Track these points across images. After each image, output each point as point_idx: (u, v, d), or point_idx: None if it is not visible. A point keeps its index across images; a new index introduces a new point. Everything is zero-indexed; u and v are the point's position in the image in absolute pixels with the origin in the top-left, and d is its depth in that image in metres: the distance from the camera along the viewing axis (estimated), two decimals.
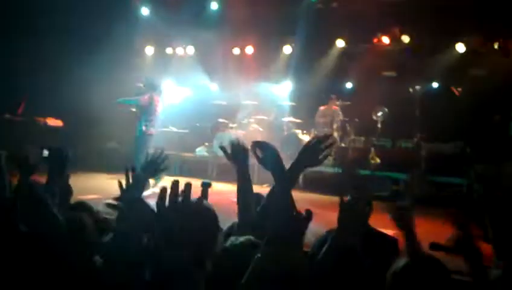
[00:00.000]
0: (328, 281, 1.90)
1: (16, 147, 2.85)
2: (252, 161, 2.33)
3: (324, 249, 1.98)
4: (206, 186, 3.16)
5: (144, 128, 8.04)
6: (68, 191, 3.79)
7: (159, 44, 12.93)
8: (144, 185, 2.76)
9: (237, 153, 2.48)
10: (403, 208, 2.10)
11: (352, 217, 1.98)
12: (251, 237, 1.99)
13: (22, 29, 9.93)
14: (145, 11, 12.52)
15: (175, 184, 1.60)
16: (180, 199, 1.60)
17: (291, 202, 1.91)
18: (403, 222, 2.07)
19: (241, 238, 1.98)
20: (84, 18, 10.49)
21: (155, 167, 2.68)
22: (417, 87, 10.03)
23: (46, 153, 2.51)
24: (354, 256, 2.11)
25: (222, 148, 2.58)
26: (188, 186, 1.61)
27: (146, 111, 8.08)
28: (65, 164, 2.59)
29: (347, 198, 2.04)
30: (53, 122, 10.21)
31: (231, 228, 2.46)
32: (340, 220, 1.95)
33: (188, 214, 1.67)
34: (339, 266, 1.97)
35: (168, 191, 1.60)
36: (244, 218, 2.40)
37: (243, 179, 2.47)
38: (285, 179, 1.96)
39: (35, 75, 9.83)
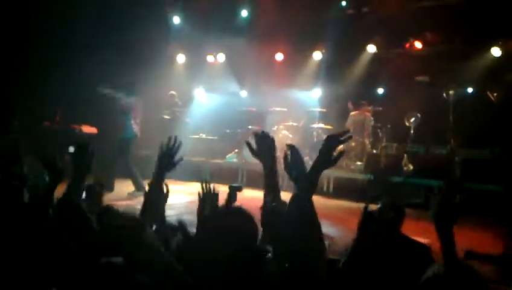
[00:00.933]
0: (350, 285, 1.89)
1: (55, 154, 2.94)
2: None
3: (346, 256, 1.97)
4: (234, 189, 3.18)
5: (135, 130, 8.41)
6: (101, 191, 3.87)
7: (190, 52, 13.11)
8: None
9: (262, 144, 2.38)
10: (443, 212, 2.06)
11: (374, 223, 1.96)
12: None
13: (57, 41, 10.24)
14: (176, 19, 12.74)
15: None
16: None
17: (312, 209, 1.91)
18: (443, 227, 2.02)
19: None
20: (118, 28, 10.76)
21: (170, 159, 2.72)
22: (451, 92, 9.81)
23: (71, 149, 2.55)
24: (377, 261, 2.09)
25: (247, 143, 2.52)
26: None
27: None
28: (90, 160, 2.63)
29: (374, 205, 2.04)
30: (88, 129, 10.46)
31: None
32: (360, 225, 1.95)
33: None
34: (360, 270, 1.95)
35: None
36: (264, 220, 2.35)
37: (269, 176, 2.36)
38: (305, 185, 1.96)
39: (71, 84, 10.12)
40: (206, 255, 1.69)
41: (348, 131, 2.11)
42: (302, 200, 1.91)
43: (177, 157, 2.74)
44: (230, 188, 3.22)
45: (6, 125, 9.53)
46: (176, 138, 2.76)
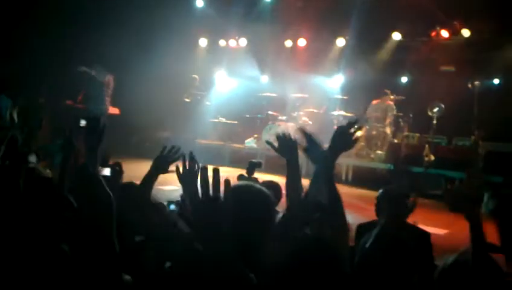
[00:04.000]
0: (375, 270, 1.89)
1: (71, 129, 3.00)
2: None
3: (371, 239, 1.97)
4: (253, 165, 3.17)
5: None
6: (120, 171, 3.91)
7: (213, 36, 13.07)
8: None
9: (284, 147, 2.44)
10: (472, 199, 2.06)
11: (401, 207, 1.98)
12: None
13: (83, 22, 10.29)
14: (199, 3, 12.68)
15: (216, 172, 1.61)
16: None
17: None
18: (471, 213, 2.02)
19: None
20: (141, 10, 10.76)
21: (164, 165, 2.77)
22: (476, 83, 9.57)
23: (83, 122, 2.57)
24: (401, 247, 2.11)
25: (269, 143, 2.56)
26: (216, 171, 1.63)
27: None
28: (102, 134, 2.66)
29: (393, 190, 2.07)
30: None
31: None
32: (390, 210, 1.95)
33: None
34: (386, 255, 1.96)
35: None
36: (293, 211, 2.37)
37: (292, 171, 2.43)
38: (325, 166, 2.04)
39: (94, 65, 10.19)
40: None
41: (358, 120, 2.20)
42: (327, 176, 2.03)
43: (171, 166, 2.77)
44: (250, 163, 3.23)
45: (34, 102, 9.76)
46: (179, 149, 2.80)
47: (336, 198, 2.00)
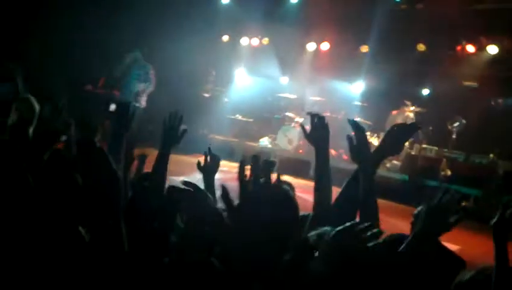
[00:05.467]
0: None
1: (92, 118, 2.96)
2: None
3: (402, 248, 1.89)
4: (268, 164, 3.13)
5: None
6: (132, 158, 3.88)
7: (235, 33, 13.04)
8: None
9: (318, 128, 2.26)
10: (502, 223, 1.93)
11: (437, 221, 1.86)
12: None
13: (110, 8, 10.28)
14: None
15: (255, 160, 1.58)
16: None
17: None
18: (500, 234, 1.91)
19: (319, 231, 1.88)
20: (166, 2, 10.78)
21: (174, 133, 2.67)
22: (499, 100, 9.44)
23: (113, 107, 2.55)
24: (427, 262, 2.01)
25: (301, 125, 2.43)
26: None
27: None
28: (131, 119, 2.61)
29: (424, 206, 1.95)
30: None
31: (303, 220, 2.33)
32: (426, 221, 1.85)
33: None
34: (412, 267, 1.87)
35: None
36: (321, 209, 2.19)
37: (322, 161, 2.21)
38: (368, 166, 1.95)
39: (118, 51, 10.19)
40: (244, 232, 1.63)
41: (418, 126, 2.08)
42: (368, 180, 1.93)
43: (180, 130, 2.69)
44: (264, 161, 3.20)
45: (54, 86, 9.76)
46: (176, 112, 2.72)
47: (373, 206, 1.91)
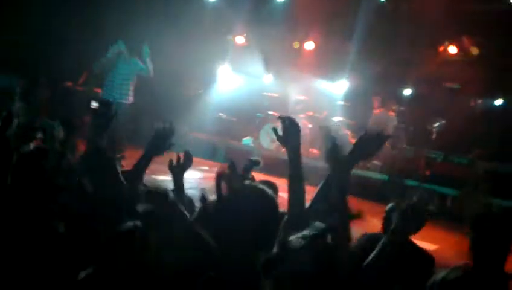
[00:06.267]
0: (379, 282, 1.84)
1: (72, 115, 2.92)
2: None
3: (376, 251, 1.92)
4: (252, 162, 3.11)
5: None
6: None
7: (219, 30, 12.97)
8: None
9: (288, 131, 2.25)
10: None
11: (411, 220, 1.92)
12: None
13: (97, 7, 10.16)
14: None
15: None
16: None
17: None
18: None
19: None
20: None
21: (161, 143, 2.67)
22: (479, 101, 9.54)
23: (94, 104, 2.51)
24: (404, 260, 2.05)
25: (273, 128, 2.40)
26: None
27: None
28: (112, 119, 2.58)
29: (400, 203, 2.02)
30: None
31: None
32: (400, 221, 1.90)
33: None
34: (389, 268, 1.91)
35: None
36: (294, 211, 2.18)
37: (295, 163, 2.21)
38: (342, 172, 2.00)
39: (100, 48, 10.10)
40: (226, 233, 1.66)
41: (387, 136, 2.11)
42: (342, 183, 2.00)
43: (167, 144, 2.69)
44: (250, 160, 3.22)
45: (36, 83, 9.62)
46: (171, 124, 2.72)
47: (345, 211, 1.97)
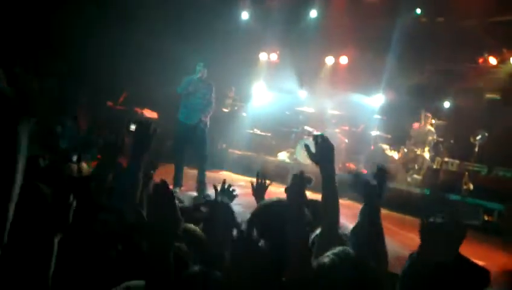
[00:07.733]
0: None
1: (113, 134, 2.98)
2: None
3: (403, 270, 1.88)
4: (305, 181, 3.08)
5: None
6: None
7: (254, 47, 13.12)
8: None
9: (321, 150, 2.24)
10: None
11: (437, 239, 1.84)
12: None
13: (130, 31, 10.43)
14: (245, 15, 12.80)
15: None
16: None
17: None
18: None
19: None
20: (187, 17, 10.92)
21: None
22: None
23: (133, 127, 2.56)
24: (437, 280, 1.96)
25: (306, 146, 2.37)
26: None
27: None
28: (151, 139, 2.61)
29: (430, 220, 1.94)
30: (149, 113, 10.68)
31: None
32: (422, 241, 1.84)
33: None
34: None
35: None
36: (328, 227, 2.18)
37: (328, 181, 2.19)
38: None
39: (139, 68, 10.33)
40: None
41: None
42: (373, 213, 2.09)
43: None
44: (300, 177, 3.23)
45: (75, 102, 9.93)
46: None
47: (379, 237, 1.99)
